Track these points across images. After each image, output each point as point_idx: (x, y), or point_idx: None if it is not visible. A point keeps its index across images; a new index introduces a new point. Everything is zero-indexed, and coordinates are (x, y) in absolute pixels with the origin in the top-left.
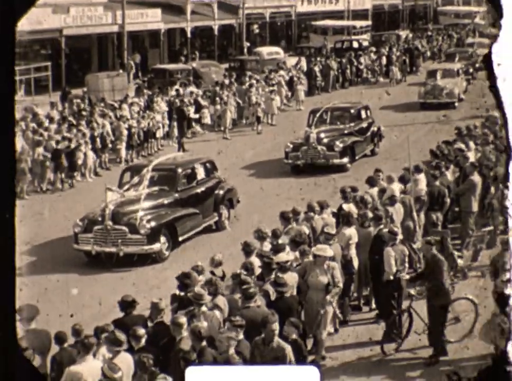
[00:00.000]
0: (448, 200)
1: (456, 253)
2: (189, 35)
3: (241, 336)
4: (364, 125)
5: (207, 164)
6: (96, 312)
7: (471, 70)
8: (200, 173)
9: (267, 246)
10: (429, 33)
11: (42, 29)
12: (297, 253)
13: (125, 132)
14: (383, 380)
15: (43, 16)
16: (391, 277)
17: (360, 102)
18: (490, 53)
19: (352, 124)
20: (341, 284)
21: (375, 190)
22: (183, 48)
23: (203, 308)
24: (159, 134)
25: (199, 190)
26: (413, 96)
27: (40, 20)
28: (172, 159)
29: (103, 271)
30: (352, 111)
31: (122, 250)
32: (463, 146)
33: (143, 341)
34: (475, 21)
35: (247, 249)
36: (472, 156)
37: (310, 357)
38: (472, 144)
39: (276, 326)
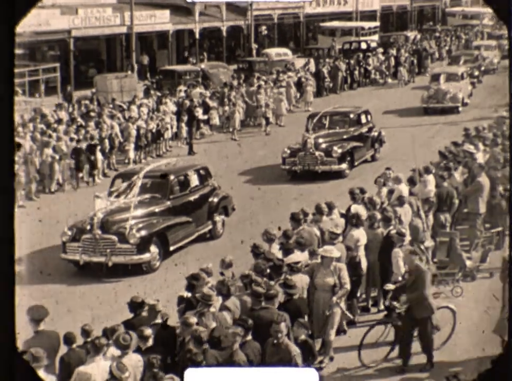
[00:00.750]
0: (456, 201)
1: (464, 254)
2: (197, 36)
3: (249, 337)
4: (364, 130)
5: (201, 171)
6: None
7: (476, 73)
8: (194, 180)
9: (275, 248)
10: (437, 34)
11: (50, 31)
12: (307, 254)
13: (134, 133)
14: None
15: (51, 17)
16: (400, 278)
17: (360, 106)
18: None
19: (351, 129)
20: (348, 286)
21: (384, 190)
22: (191, 50)
23: (212, 309)
24: (167, 135)
25: (192, 198)
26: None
27: (48, 21)
28: (165, 165)
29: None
30: (352, 116)
31: (111, 260)
32: (471, 147)
33: (150, 341)
34: (484, 22)
35: (256, 251)
36: (480, 157)
37: (319, 358)
38: (480, 145)
39: (281, 327)
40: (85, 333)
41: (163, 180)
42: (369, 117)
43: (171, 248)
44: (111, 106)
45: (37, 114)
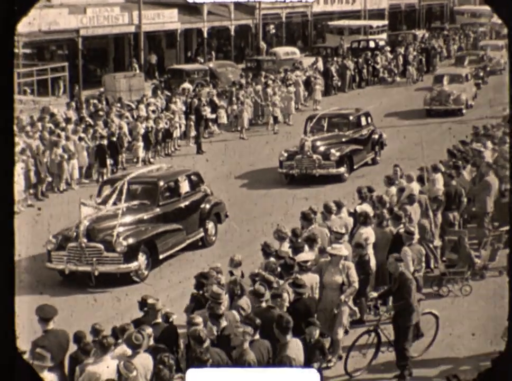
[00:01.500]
0: (465, 200)
1: (473, 252)
2: (205, 35)
3: (257, 336)
4: (364, 132)
5: (192, 177)
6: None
7: (481, 74)
8: (185, 186)
9: (285, 246)
10: (446, 33)
11: (59, 30)
12: (315, 253)
13: (142, 132)
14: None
15: (60, 16)
16: (409, 277)
17: (360, 108)
18: None
19: (351, 131)
20: (356, 284)
21: (393, 189)
22: (199, 49)
23: (223, 308)
24: (176, 134)
25: (182, 205)
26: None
27: (57, 20)
28: (155, 170)
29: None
30: (351, 118)
31: (97, 269)
32: (479, 145)
33: (151, 339)
34: (492, 20)
35: (266, 250)
36: (489, 156)
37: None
38: (489, 143)
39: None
40: (96, 331)
41: (152, 186)
42: (369, 119)
43: (161, 256)
44: (119, 105)
45: (46, 113)
